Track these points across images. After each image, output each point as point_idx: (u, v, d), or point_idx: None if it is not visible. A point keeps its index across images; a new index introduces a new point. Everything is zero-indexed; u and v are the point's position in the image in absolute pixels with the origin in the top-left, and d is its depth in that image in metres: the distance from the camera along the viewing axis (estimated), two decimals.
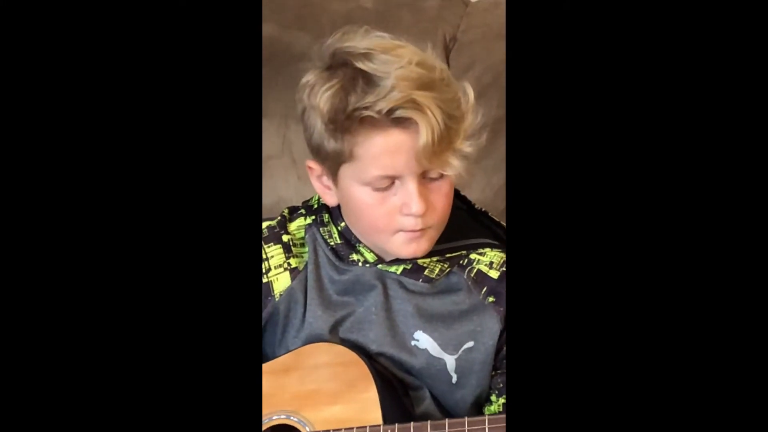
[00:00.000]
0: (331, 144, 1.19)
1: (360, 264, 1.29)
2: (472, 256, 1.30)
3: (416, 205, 1.19)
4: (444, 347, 1.27)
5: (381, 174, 1.19)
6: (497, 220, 1.35)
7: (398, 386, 1.28)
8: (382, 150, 1.17)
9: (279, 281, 1.31)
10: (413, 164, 1.17)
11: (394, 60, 1.17)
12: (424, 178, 1.20)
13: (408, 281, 1.28)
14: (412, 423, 1.19)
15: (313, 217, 1.34)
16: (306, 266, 1.31)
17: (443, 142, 1.16)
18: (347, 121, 1.16)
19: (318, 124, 1.19)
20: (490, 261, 1.29)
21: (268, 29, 1.72)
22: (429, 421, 1.19)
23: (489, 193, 1.70)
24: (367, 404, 1.22)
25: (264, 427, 1.25)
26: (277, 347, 1.31)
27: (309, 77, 1.22)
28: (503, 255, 1.30)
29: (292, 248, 1.32)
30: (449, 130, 1.16)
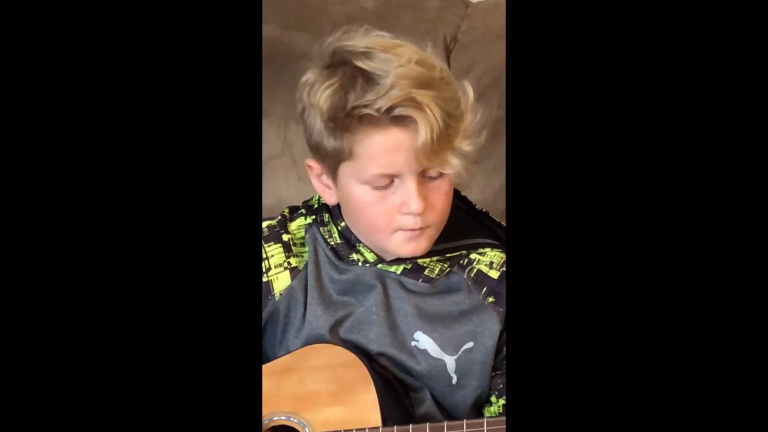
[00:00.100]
0: (330, 142, 1.19)
1: (360, 264, 1.29)
2: (473, 256, 1.30)
3: (415, 204, 1.19)
4: (444, 348, 1.26)
5: (380, 172, 1.18)
6: (498, 220, 1.35)
7: (399, 387, 1.28)
8: (381, 148, 1.17)
9: (279, 280, 1.31)
10: (412, 163, 1.17)
11: (393, 58, 1.17)
12: (423, 176, 1.20)
13: (408, 281, 1.28)
14: (411, 425, 1.19)
15: (314, 216, 1.33)
16: (306, 266, 1.31)
17: (442, 141, 1.16)
18: (347, 120, 1.16)
19: (317, 123, 1.19)
20: (490, 261, 1.29)
21: (268, 30, 1.72)
22: (428, 424, 1.19)
23: (489, 194, 1.70)
24: (367, 406, 1.22)
25: (264, 428, 1.25)
26: (277, 347, 1.31)
27: (309, 76, 1.22)
28: (503, 255, 1.30)
29: (293, 248, 1.32)
30: (448, 129, 1.16)
